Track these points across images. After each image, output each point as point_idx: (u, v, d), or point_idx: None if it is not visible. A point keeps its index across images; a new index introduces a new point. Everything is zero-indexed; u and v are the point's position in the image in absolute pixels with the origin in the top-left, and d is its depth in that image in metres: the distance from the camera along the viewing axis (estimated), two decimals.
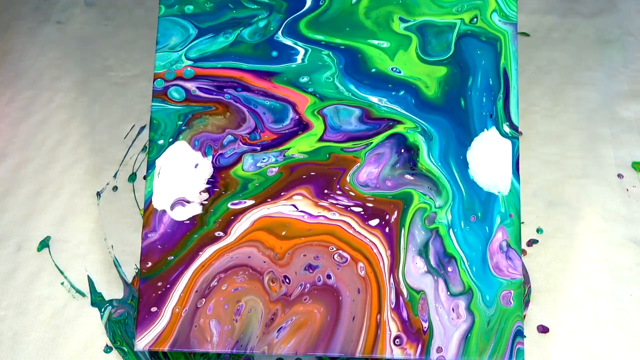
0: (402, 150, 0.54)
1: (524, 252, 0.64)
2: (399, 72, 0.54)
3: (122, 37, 0.79)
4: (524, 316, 0.60)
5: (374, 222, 0.53)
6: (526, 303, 0.61)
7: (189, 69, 0.54)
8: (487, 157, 0.54)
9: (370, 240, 0.52)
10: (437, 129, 0.54)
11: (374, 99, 0.54)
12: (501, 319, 0.51)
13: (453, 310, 0.52)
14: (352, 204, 0.53)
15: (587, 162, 0.69)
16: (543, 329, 0.60)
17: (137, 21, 0.80)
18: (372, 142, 0.54)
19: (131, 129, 0.72)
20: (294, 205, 0.53)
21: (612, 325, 0.60)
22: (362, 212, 0.53)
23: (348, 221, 0.53)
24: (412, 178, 0.53)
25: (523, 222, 0.65)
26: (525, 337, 0.58)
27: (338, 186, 0.53)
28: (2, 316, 0.61)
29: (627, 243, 0.64)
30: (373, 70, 0.55)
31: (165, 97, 0.54)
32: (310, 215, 0.53)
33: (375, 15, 0.55)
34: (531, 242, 0.64)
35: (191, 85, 0.54)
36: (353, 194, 0.53)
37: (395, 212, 0.53)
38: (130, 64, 0.77)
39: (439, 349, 0.51)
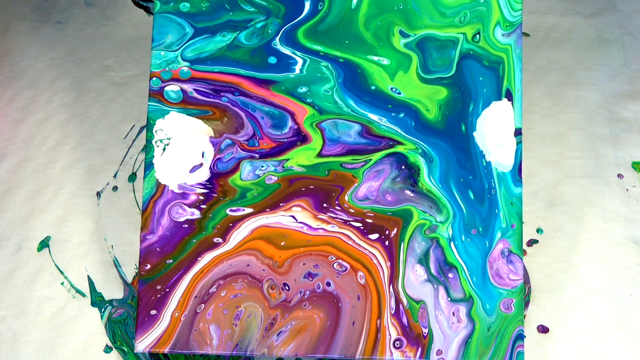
0: (403, 167, 0.53)
1: (524, 252, 0.64)
2: (399, 93, 0.54)
3: (122, 37, 0.79)
4: (524, 316, 0.60)
5: (374, 236, 0.52)
6: (526, 303, 0.61)
7: (185, 69, 0.54)
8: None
9: (370, 252, 0.52)
10: (437, 152, 0.53)
11: (373, 116, 0.53)
12: (502, 326, 0.51)
13: (453, 314, 0.51)
14: (351, 219, 0.52)
15: (587, 162, 0.69)
16: (543, 329, 0.60)
17: (137, 21, 0.80)
18: (371, 159, 0.53)
19: (131, 129, 0.72)
20: (293, 217, 0.52)
21: (612, 325, 0.60)
22: (362, 227, 0.52)
23: (347, 234, 0.52)
24: (412, 195, 0.53)
25: (523, 222, 0.65)
26: (525, 337, 0.58)
27: (337, 202, 0.53)
28: (2, 316, 0.61)
29: (627, 243, 0.64)
30: (373, 87, 0.54)
31: (162, 97, 0.54)
32: (310, 227, 0.52)
33: (375, 26, 0.54)
34: (531, 242, 0.64)
35: (188, 87, 0.54)
36: (352, 211, 0.53)
37: (395, 229, 0.52)
38: (130, 64, 0.77)
39: (439, 352, 0.51)
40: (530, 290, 0.62)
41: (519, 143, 0.53)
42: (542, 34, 0.78)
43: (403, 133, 0.53)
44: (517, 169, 0.53)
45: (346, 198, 0.53)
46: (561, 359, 0.58)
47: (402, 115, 0.53)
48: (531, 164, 0.69)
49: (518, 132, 0.53)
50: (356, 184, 0.53)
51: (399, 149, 0.53)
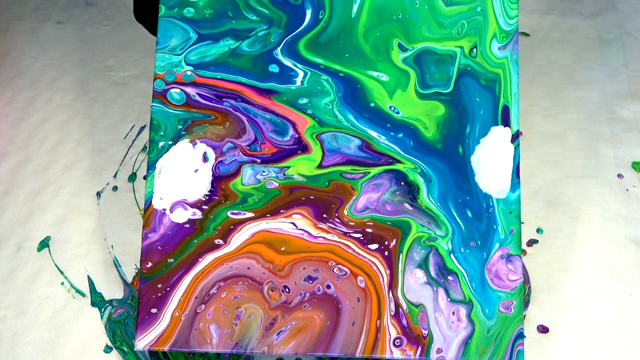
0: (402, 183, 0.53)
1: (524, 252, 0.64)
2: (398, 112, 0.54)
3: (122, 37, 0.79)
4: (524, 316, 0.60)
5: (373, 246, 0.53)
6: (526, 303, 0.61)
7: (188, 73, 0.54)
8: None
9: (370, 260, 0.52)
10: (435, 172, 0.53)
11: (373, 133, 0.54)
12: (502, 327, 0.51)
13: (453, 313, 0.52)
14: (351, 230, 0.53)
15: (587, 162, 0.69)
16: (543, 329, 0.60)
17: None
18: (370, 172, 0.53)
19: (131, 129, 0.72)
20: (294, 224, 0.53)
21: (612, 325, 0.60)
22: (362, 237, 0.53)
23: (347, 243, 0.53)
24: (411, 209, 0.53)
25: (523, 222, 0.65)
26: (525, 337, 0.58)
27: (337, 215, 0.53)
28: (2, 316, 0.61)
29: (627, 243, 0.64)
30: (372, 104, 0.54)
31: (165, 99, 0.54)
32: (310, 234, 0.53)
33: (374, 38, 0.55)
34: (531, 242, 0.64)
35: (191, 90, 0.54)
36: (352, 224, 0.53)
37: (394, 240, 0.53)
38: (130, 64, 0.77)
39: (439, 350, 0.51)
40: (530, 290, 0.62)
41: (516, 147, 0.54)
42: (542, 34, 0.78)
43: (402, 152, 0.54)
44: (515, 170, 0.53)
45: (345, 212, 0.53)
46: (561, 359, 0.58)
47: (400, 135, 0.54)
48: (531, 164, 0.69)
49: (515, 136, 0.54)
50: (355, 197, 0.53)
51: (398, 166, 0.54)
